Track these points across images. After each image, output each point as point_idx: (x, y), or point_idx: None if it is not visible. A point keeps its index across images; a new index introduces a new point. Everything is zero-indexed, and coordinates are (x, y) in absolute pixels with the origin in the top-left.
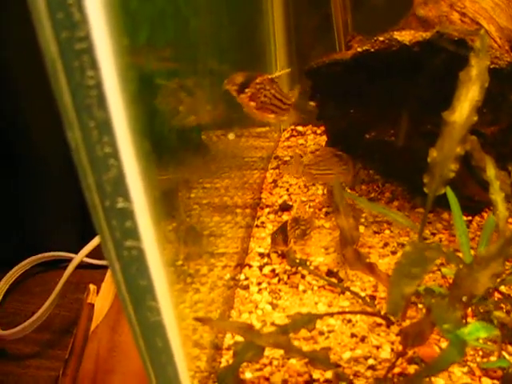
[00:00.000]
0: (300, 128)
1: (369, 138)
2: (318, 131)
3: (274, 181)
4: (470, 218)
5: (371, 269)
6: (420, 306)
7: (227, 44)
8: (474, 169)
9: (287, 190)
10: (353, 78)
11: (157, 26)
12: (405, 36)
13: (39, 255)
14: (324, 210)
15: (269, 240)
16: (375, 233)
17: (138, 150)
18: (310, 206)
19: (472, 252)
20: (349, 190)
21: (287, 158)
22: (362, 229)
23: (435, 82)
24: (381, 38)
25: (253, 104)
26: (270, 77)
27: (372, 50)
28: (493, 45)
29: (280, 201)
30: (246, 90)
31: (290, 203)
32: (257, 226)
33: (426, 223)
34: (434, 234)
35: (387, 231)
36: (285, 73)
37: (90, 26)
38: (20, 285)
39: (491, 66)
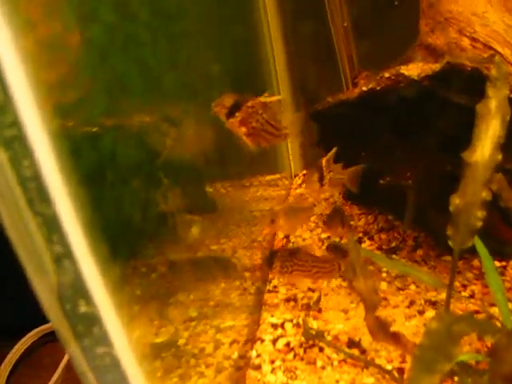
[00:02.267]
0: None
1: (384, 184)
2: None
3: (286, 236)
4: (504, 263)
5: (396, 339)
6: (456, 378)
7: (226, 80)
8: (504, 209)
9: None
10: (361, 119)
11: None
12: (412, 70)
13: (48, 325)
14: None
15: (282, 308)
16: (399, 289)
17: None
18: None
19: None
20: (367, 241)
21: None
22: (384, 285)
23: (451, 118)
24: (387, 75)
25: (243, 129)
26: (262, 100)
27: (378, 88)
28: (510, 69)
29: None
30: (237, 114)
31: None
32: (269, 290)
33: (456, 273)
34: (464, 286)
35: (412, 286)
36: (276, 99)
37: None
38: (29, 356)
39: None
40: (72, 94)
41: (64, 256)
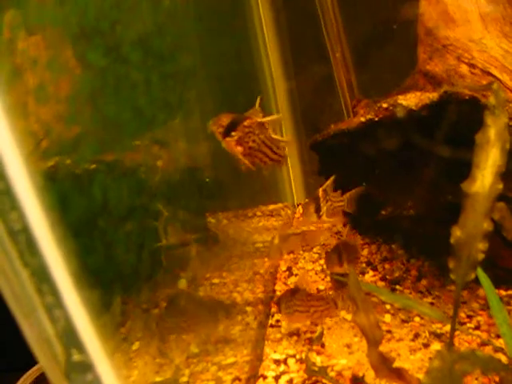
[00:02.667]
0: None
1: (385, 214)
2: None
3: (289, 268)
4: (510, 292)
5: (399, 375)
6: None
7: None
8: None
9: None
10: (361, 149)
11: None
12: (410, 100)
13: None
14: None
15: (285, 342)
16: (403, 322)
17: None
18: (329, 294)
19: None
20: (371, 272)
21: None
22: (388, 318)
23: (450, 147)
24: (384, 105)
25: (239, 149)
26: (259, 120)
27: (376, 118)
28: (509, 96)
29: None
30: (233, 133)
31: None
32: (271, 325)
33: (460, 304)
34: (470, 317)
35: (417, 318)
36: (275, 119)
37: None
38: None
39: (511, 123)
40: (60, 142)
41: (55, 306)
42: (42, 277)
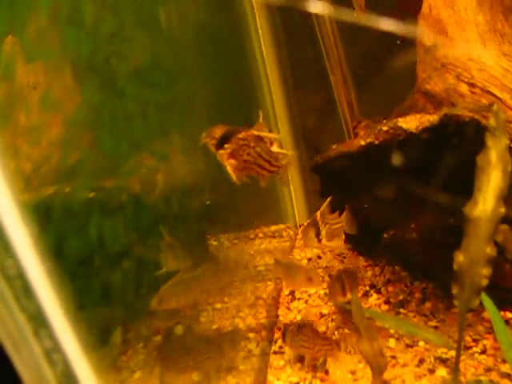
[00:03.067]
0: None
1: (388, 237)
2: None
3: (292, 292)
4: None
5: None
6: None
7: None
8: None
9: (306, 301)
10: (362, 171)
11: None
12: (410, 123)
13: None
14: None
15: (288, 370)
16: (408, 346)
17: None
18: (332, 320)
19: None
20: (375, 295)
21: (305, 262)
22: (392, 342)
23: (451, 169)
24: (385, 128)
25: (232, 162)
26: (256, 133)
27: (376, 142)
28: (509, 115)
29: (299, 316)
30: (226, 146)
31: (310, 318)
32: (274, 352)
33: (466, 327)
34: (476, 341)
35: (421, 343)
36: (271, 136)
37: None
38: None
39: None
40: (59, 169)
41: (53, 350)
42: (39, 321)
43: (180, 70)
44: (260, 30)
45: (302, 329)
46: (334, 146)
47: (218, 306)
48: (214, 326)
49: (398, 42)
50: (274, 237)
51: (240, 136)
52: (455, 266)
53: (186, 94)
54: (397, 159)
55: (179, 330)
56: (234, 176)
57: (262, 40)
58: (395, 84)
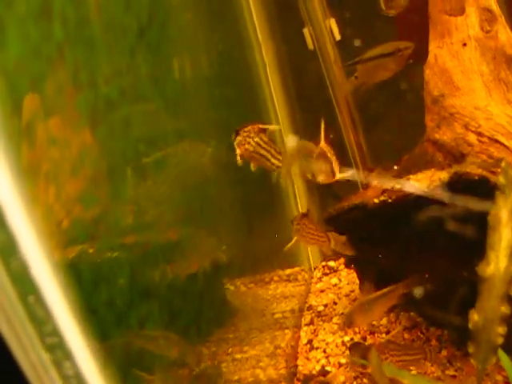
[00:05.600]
0: (332, 263)
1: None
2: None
3: (310, 341)
4: None
5: None
6: None
7: None
8: None
9: (324, 350)
10: (375, 224)
11: None
12: (422, 181)
13: None
14: None
15: None
16: None
17: None
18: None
19: None
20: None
21: (321, 308)
22: None
23: (463, 226)
24: (398, 186)
25: (238, 151)
26: (260, 127)
27: (390, 200)
28: None
29: (318, 367)
30: (237, 138)
31: (329, 368)
32: None
33: (483, 376)
34: None
35: None
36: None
37: None
38: None
39: None
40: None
41: None
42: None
43: (195, 104)
44: (270, 76)
45: None
46: (343, 204)
47: (238, 356)
48: (235, 377)
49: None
50: (290, 280)
51: (245, 129)
52: (470, 326)
53: (200, 123)
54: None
55: None
56: (238, 160)
57: (272, 86)
58: (404, 126)
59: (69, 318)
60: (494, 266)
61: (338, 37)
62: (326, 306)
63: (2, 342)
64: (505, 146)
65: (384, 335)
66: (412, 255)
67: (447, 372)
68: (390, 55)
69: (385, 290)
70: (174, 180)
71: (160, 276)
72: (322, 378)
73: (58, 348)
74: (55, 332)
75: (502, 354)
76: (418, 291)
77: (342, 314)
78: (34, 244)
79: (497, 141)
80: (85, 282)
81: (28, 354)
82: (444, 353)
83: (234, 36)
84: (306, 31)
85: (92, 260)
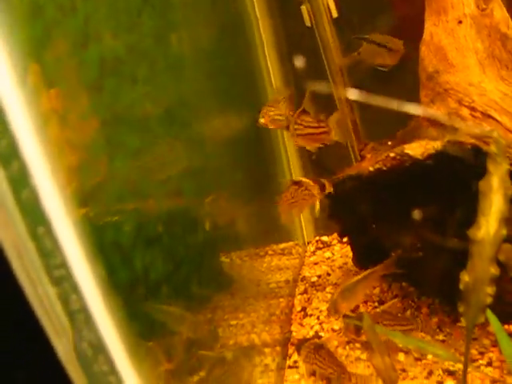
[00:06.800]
0: (325, 238)
1: (395, 256)
2: (345, 239)
3: (303, 308)
4: None
5: None
6: None
7: None
8: None
9: (318, 317)
10: (370, 194)
11: None
12: (416, 149)
13: None
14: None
15: (304, 383)
16: (417, 360)
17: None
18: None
19: None
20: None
21: (314, 279)
22: (401, 356)
23: (456, 193)
24: (392, 154)
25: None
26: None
27: (384, 168)
28: (509, 137)
29: (312, 332)
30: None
31: (322, 334)
32: (289, 366)
33: (471, 340)
34: (482, 354)
35: (430, 356)
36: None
37: None
38: None
39: None
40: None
41: (110, 373)
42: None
43: (201, 109)
44: (268, 55)
45: (319, 350)
46: (340, 171)
47: (233, 322)
48: (231, 342)
49: None
50: (284, 254)
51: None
52: (461, 286)
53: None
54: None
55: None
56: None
57: (270, 67)
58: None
59: (77, 252)
60: (485, 230)
61: (335, 14)
62: (319, 276)
63: (12, 274)
64: (497, 120)
65: (377, 304)
66: (405, 222)
67: (437, 337)
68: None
69: (364, 272)
70: (176, 141)
71: (163, 228)
72: (315, 340)
73: (65, 281)
74: (63, 265)
75: (489, 313)
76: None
77: (336, 284)
78: (47, 176)
79: (489, 116)
80: (94, 219)
81: (35, 287)
82: (434, 319)
83: (233, 11)
84: (303, 8)
85: (102, 199)
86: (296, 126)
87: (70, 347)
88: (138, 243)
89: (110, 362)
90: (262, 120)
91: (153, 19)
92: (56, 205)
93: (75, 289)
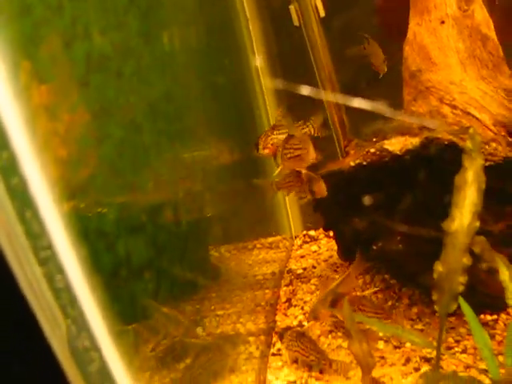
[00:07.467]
0: (312, 232)
1: (377, 249)
2: (331, 233)
3: (288, 299)
4: (495, 316)
5: None
6: None
7: None
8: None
9: (302, 308)
10: (352, 188)
11: None
12: (395, 145)
13: None
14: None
15: (286, 370)
16: (395, 347)
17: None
18: (327, 324)
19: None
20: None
21: (300, 271)
22: (381, 344)
23: (432, 188)
24: (372, 150)
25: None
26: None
27: (364, 163)
28: (488, 134)
29: (295, 322)
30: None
31: (306, 324)
32: (273, 354)
33: (449, 329)
34: (458, 342)
35: (408, 344)
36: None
37: None
38: None
39: (487, 164)
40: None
41: (91, 349)
42: (81, 325)
43: (187, 103)
44: (257, 55)
45: (301, 338)
46: (325, 167)
47: (220, 312)
48: (218, 331)
49: None
50: (271, 248)
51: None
52: (435, 275)
53: (192, 124)
54: (383, 178)
55: (200, 331)
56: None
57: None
58: (384, 101)
59: (62, 234)
60: (459, 222)
61: (322, 13)
62: (305, 269)
63: (1, 254)
64: (476, 118)
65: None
66: (385, 215)
67: (416, 326)
68: None
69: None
70: (169, 137)
71: (147, 217)
72: (298, 329)
73: (51, 261)
74: (49, 246)
75: (461, 300)
76: None
77: (320, 276)
78: (35, 165)
79: (469, 113)
80: (79, 205)
81: (23, 266)
82: (414, 310)
83: (223, 12)
84: (292, 8)
85: (86, 185)
86: (285, 151)
87: (54, 323)
88: (121, 230)
89: (92, 339)
90: (265, 151)
91: (138, 19)
92: (43, 191)
93: (60, 269)
